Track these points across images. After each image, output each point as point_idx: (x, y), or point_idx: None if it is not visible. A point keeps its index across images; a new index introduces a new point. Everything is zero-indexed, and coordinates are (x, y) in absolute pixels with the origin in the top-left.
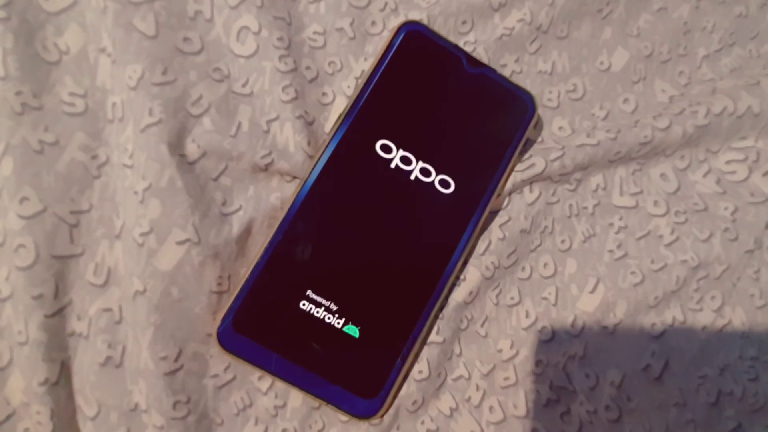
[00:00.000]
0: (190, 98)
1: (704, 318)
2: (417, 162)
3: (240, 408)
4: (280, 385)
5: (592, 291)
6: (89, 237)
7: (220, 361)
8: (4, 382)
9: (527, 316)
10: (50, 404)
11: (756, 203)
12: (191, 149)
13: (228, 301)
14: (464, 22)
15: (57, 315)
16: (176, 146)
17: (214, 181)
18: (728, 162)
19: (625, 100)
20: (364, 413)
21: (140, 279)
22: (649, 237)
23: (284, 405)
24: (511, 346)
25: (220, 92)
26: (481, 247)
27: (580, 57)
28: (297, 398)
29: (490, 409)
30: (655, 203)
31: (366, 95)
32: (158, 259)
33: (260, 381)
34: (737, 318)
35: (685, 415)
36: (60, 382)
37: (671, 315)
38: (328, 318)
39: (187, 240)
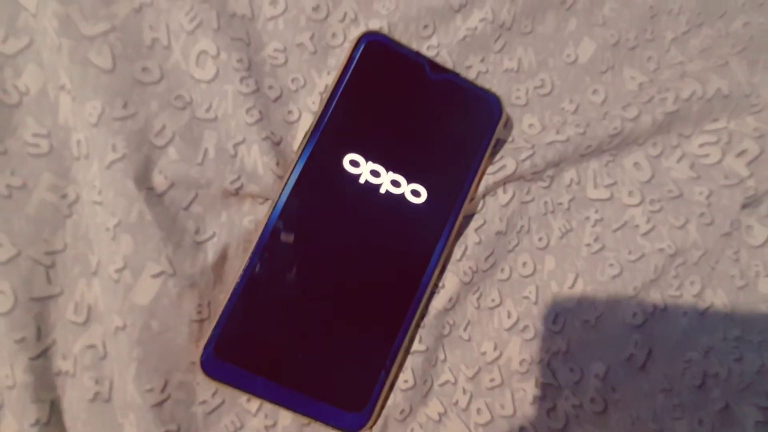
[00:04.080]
0: (153, 129)
1: (685, 303)
2: (387, 174)
3: (231, 431)
4: (269, 405)
5: (572, 286)
6: (66, 276)
7: (207, 388)
8: None
9: (509, 316)
10: None
11: (730, 185)
12: (158, 181)
13: (209, 329)
14: (426, 26)
15: (42, 356)
16: (143, 180)
17: (184, 210)
18: (701, 145)
19: (595, 92)
20: (353, 427)
21: (119, 315)
22: (626, 228)
23: (275, 424)
24: (495, 348)
25: (184, 120)
26: (457, 252)
27: (546, 51)
28: (287, 417)
29: (478, 411)
30: (630, 193)
31: (330, 110)
32: (135, 293)
33: (249, 403)
34: (719, 300)
35: (672, 400)
36: (51, 421)
37: (652, 303)
38: (310, 336)
39: (162, 272)
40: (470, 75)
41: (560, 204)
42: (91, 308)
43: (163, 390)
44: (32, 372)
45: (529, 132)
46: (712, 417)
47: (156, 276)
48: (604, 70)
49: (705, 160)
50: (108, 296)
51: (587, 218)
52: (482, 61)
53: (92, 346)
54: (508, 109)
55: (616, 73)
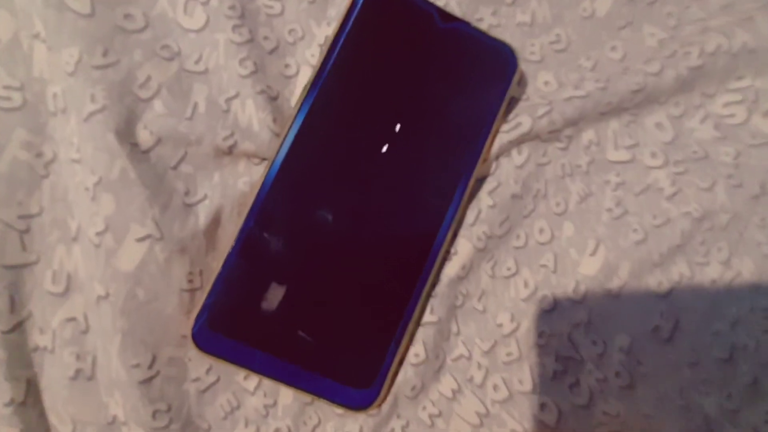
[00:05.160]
0: (137, 80)
1: (712, 271)
2: (393, 132)
3: (227, 411)
4: (269, 382)
5: (593, 254)
6: (43, 243)
7: (200, 364)
8: None
9: (526, 286)
10: (19, 425)
11: (758, 145)
12: (143, 136)
13: (201, 299)
14: None
15: (16, 330)
16: (126, 134)
17: (173, 169)
18: (726, 105)
19: (613, 48)
20: (359, 405)
21: (101, 283)
22: (649, 191)
23: (275, 403)
24: (512, 320)
25: (171, 71)
26: (470, 217)
27: (561, 5)
28: (288, 395)
29: (495, 387)
30: (653, 155)
31: (331, 64)
32: (118, 259)
33: (247, 381)
34: (746, 269)
35: (699, 375)
36: (28, 401)
37: (678, 271)
38: (312, 307)
39: (148, 236)
40: (481, 28)
41: (578, 166)
42: (71, 277)
43: (151, 366)
44: (5, 347)
45: (544, 89)
46: (741, 392)
47: (141, 240)
48: (623, 26)
49: (730, 120)
50: (89, 262)
51: (607, 182)
52: (494, 13)
53: (72, 319)
54: (522, 66)
55: (635, 29)
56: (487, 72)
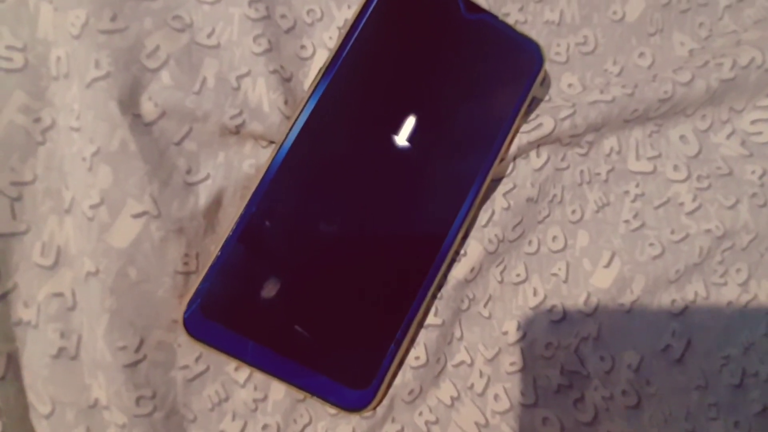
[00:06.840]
0: (145, 49)
1: (729, 293)
2: (408, 122)
3: (215, 402)
4: (260, 376)
5: (607, 265)
6: (34, 212)
7: (189, 351)
8: None
9: (535, 294)
10: None
11: None
12: (147, 108)
13: (195, 283)
14: None
15: (0, 301)
16: (129, 104)
17: (176, 145)
18: (754, 122)
19: (641, 54)
20: (354, 405)
21: (92, 258)
22: (669, 205)
23: (265, 398)
24: (518, 328)
25: (181, 43)
26: (483, 218)
27: (591, 5)
28: (279, 390)
29: (496, 397)
30: (675, 168)
31: (349, 47)
32: (111, 234)
33: (237, 372)
34: (763, 293)
35: (707, 399)
36: (7, 377)
37: (693, 290)
38: (311, 299)
39: (145, 212)
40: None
41: (598, 174)
42: (61, 250)
43: (138, 349)
44: None
45: (568, 91)
46: (750, 420)
47: (137, 216)
48: (653, 33)
49: (758, 138)
50: (80, 236)
51: (627, 192)
52: (521, 10)
53: (59, 294)
54: (546, 65)
55: (665, 37)
56: (510, 68)
